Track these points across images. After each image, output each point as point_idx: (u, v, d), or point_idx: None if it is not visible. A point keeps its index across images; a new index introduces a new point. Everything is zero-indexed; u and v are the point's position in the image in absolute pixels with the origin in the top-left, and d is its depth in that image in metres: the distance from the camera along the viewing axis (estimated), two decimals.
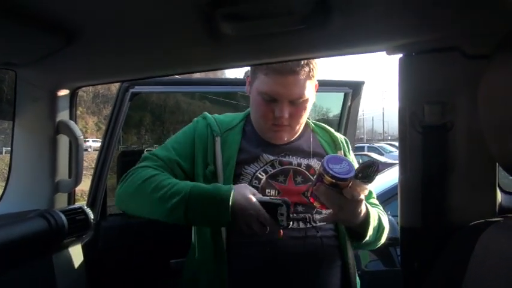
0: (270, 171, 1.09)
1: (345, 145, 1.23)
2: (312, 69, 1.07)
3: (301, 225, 1.05)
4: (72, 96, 1.16)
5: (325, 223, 1.07)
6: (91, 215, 1.19)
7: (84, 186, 1.28)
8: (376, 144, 19.36)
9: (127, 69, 1.04)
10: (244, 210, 0.96)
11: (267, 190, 1.06)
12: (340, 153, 1.17)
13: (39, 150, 1.14)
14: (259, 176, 1.07)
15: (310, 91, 1.09)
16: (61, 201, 1.20)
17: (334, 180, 0.91)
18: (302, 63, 1.05)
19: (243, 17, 0.77)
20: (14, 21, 0.75)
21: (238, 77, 1.76)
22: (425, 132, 0.84)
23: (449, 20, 0.77)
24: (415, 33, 0.82)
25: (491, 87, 0.61)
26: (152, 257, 1.48)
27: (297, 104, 1.09)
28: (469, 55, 0.79)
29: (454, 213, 0.84)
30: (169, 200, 0.98)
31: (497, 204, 0.87)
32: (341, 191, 0.93)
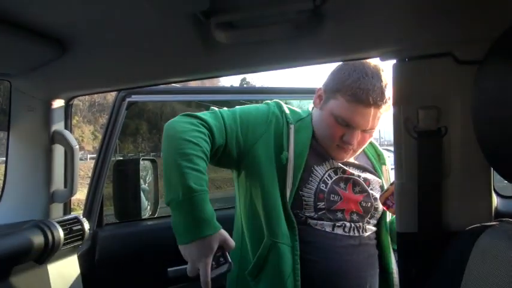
0: (334, 177, 1.12)
1: (387, 160, 1.29)
2: (391, 102, 1.06)
3: (356, 233, 1.11)
4: (67, 105, 1.16)
5: (372, 232, 1.16)
6: (87, 225, 1.18)
7: (81, 195, 1.26)
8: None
9: (122, 78, 1.04)
10: (206, 251, 0.93)
11: (331, 195, 1.10)
12: (385, 168, 1.26)
13: (34, 160, 1.13)
14: (326, 180, 1.11)
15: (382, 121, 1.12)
16: (57, 211, 1.19)
17: None
18: (386, 97, 1.06)
19: (237, 25, 0.77)
20: (8, 32, 0.75)
21: (234, 85, 1.76)
22: (420, 137, 0.84)
23: (440, 26, 0.77)
24: (407, 40, 0.83)
25: (483, 93, 0.62)
26: (149, 266, 1.47)
27: (367, 132, 1.12)
28: (461, 60, 0.80)
29: (451, 218, 0.84)
30: (183, 179, 0.94)
31: (493, 208, 0.87)
32: None
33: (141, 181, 1.64)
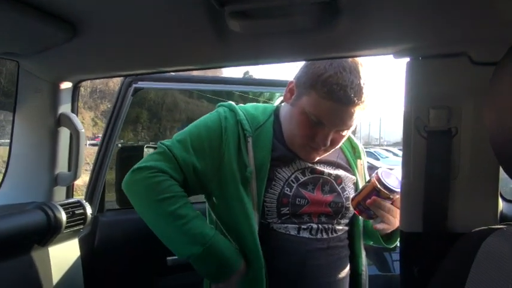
0: (301, 178, 1.05)
1: (362, 153, 1.22)
2: (369, 101, 1.00)
3: (324, 235, 1.06)
4: (75, 89, 1.15)
5: (343, 232, 1.10)
6: (89, 210, 1.18)
7: (79, 180, 1.26)
8: (372, 149, 19.39)
9: (132, 63, 1.03)
10: (238, 278, 1.01)
11: (297, 199, 1.03)
12: (360, 162, 1.18)
13: (39, 142, 1.13)
14: (291, 183, 1.04)
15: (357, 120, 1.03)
16: (59, 194, 1.19)
17: (390, 194, 0.99)
18: (364, 95, 0.97)
19: (251, 15, 0.76)
20: (20, 11, 0.74)
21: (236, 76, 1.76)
22: (429, 136, 0.84)
23: (457, 25, 0.77)
24: (422, 37, 0.82)
25: (500, 95, 0.61)
26: (149, 254, 1.47)
27: (341, 131, 1.03)
28: (476, 61, 0.79)
29: (456, 219, 0.84)
30: (185, 235, 0.98)
31: (499, 212, 0.87)
32: (392, 202, 1.01)
33: None
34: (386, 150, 20.72)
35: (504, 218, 0.87)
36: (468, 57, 0.80)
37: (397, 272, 2.13)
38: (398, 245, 1.16)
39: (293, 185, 1.04)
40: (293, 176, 1.05)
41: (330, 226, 1.07)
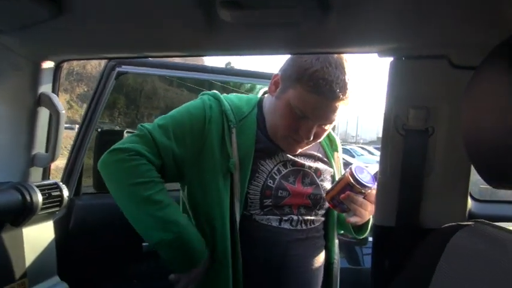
0: (283, 171, 1.07)
1: (339, 146, 1.25)
2: (352, 96, 1.02)
3: (304, 226, 1.09)
4: (57, 68, 1.12)
5: (320, 222, 1.14)
6: (66, 192, 1.16)
7: (52, 165, 1.23)
8: (348, 147, 19.68)
9: (118, 46, 1.02)
10: (201, 270, 1.03)
11: (279, 191, 1.05)
12: (337, 155, 1.21)
13: (17, 121, 1.10)
14: (274, 175, 1.05)
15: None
16: (36, 175, 1.17)
17: (363, 189, 1.03)
18: (348, 91, 0.99)
19: (243, 5, 0.77)
20: None
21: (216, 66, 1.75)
22: (407, 135, 0.87)
23: (439, 28, 0.80)
24: (406, 39, 0.85)
25: (476, 98, 0.64)
26: (124, 239, 1.47)
27: (324, 126, 1.05)
28: (456, 65, 0.83)
29: (428, 215, 0.87)
30: (157, 221, 0.98)
31: (468, 210, 0.91)
32: (364, 196, 1.04)
33: None
34: (362, 148, 21.07)
35: (472, 216, 0.92)
36: (448, 60, 0.83)
37: (366, 265, 2.20)
38: (370, 239, 1.20)
39: (276, 177, 1.05)
40: (275, 168, 1.06)
41: (309, 217, 1.10)
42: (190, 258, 1.00)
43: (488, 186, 0.67)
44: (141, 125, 1.05)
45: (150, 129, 1.03)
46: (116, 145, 1.03)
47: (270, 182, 1.04)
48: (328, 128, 1.07)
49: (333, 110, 1.00)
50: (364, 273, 2.13)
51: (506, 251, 0.59)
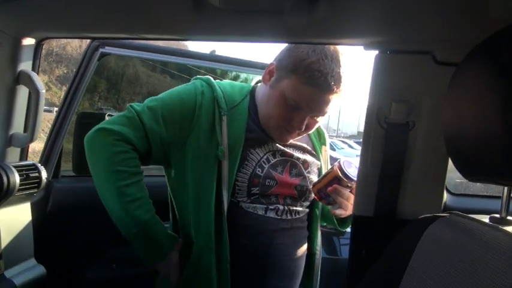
0: (272, 160, 1.08)
1: (327, 140, 1.27)
2: (346, 89, 1.03)
3: (289, 216, 1.10)
4: (38, 46, 1.09)
5: (304, 214, 1.15)
6: (44, 173, 1.14)
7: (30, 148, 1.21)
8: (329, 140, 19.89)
9: (102, 26, 0.99)
10: (173, 264, 1.05)
11: (267, 180, 1.06)
12: (324, 148, 1.23)
13: None
14: (263, 164, 1.06)
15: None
16: (13, 156, 1.14)
17: (350, 183, 1.05)
18: (342, 84, 1.00)
19: None
20: None
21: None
22: (389, 128, 0.89)
23: (424, 24, 0.81)
24: (392, 33, 0.86)
25: (457, 94, 0.66)
26: (103, 223, 1.45)
27: (316, 117, 1.06)
28: (439, 61, 0.85)
29: (405, 206, 0.90)
30: (125, 214, 1.01)
31: (443, 202, 0.94)
32: (351, 190, 1.06)
33: None
34: (343, 141, 21.33)
35: (447, 209, 0.95)
36: (432, 56, 0.85)
37: (344, 255, 2.24)
38: (348, 230, 1.23)
39: (264, 166, 1.06)
40: (265, 157, 1.07)
41: (294, 208, 1.11)
42: (155, 251, 1.04)
43: (464, 181, 0.69)
44: (131, 105, 1.04)
45: (140, 112, 1.02)
46: (105, 124, 1.02)
47: (259, 171, 1.05)
48: (320, 120, 1.09)
49: (327, 102, 1.01)
50: (341, 264, 2.17)
51: (474, 239, 0.61)
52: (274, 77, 1.05)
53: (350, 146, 19.19)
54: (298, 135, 1.09)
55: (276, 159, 1.08)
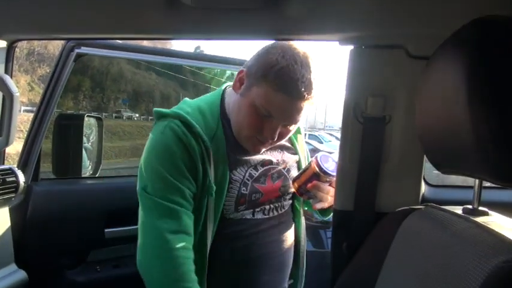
0: (254, 174, 1.07)
1: (301, 128, 1.24)
2: (317, 96, 0.99)
3: (275, 213, 1.11)
4: (10, 48, 1.07)
5: (289, 205, 1.16)
6: (22, 178, 1.13)
7: (11, 149, 1.18)
8: (316, 133, 19.98)
9: (74, 26, 0.98)
10: None
11: (253, 195, 1.06)
12: (300, 137, 1.21)
13: None
14: (247, 181, 1.05)
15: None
16: None
17: (328, 178, 1.04)
18: (314, 90, 0.96)
19: None
20: None
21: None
22: (366, 122, 0.89)
23: (397, 18, 0.82)
24: (365, 28, 0.86)
25: (428, 88, 0.67)
26: (86, 226, 1.44)
27: (289, 126, 1.03)
28: (412, 55, 0.85)
29: (384, 199, 0.91)
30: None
31: (421, 194, 0.96)
32: (330, 184, 1.06)
33: (85, 139, 1.57)
34: (330, 134, 21.45)
35: (425, 200, 0.96)
36: (405, 50, 0.85)
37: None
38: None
39: (248, 182, 1.06)
40: (247, 174, 1.06)
41: (279, 204, 1.13)
42: None
43: None
44: (156, 198, 0.99)
45: (161, 196, 0.99)
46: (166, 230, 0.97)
47: (244, 190, 1.05)
48: (293, 128, 1.06)
49: (298, 109, 0.97)
50: (328, 256, 2.18)
51: (445, 229, 0.63)
52: (244, 85, 1.02)
53: (337, 139, 19.26)
54: (271, 144, 1.07)
55: (258, 172, 1.08)
